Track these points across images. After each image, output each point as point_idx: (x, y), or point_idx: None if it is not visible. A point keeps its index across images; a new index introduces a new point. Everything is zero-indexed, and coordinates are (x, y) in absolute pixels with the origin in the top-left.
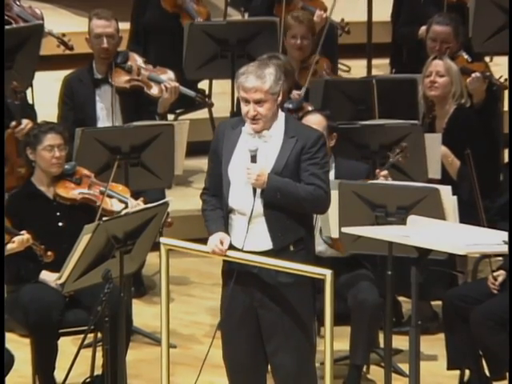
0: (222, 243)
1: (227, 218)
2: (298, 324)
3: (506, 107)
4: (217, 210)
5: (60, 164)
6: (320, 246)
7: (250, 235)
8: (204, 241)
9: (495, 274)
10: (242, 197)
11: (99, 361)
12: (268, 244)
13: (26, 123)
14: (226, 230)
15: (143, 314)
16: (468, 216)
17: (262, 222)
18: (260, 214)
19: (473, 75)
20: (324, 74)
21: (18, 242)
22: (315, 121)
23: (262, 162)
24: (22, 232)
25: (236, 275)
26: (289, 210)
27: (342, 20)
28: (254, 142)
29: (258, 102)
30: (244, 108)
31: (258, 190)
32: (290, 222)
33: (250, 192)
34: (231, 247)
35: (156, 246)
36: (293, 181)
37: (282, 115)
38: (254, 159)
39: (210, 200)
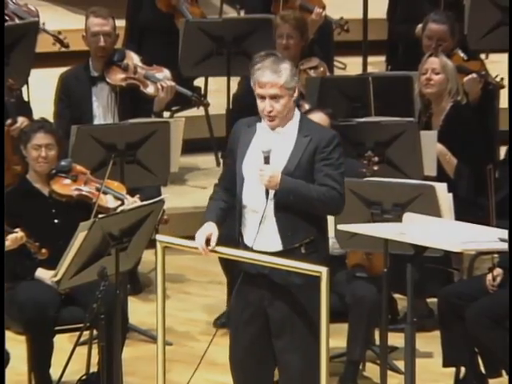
0: (208, 241)
1: (240, 215)
2: (306, 325)
3: (505, 105)
4: (219, 201)
5: (46, 163)
6: None
7: (260, 236)
8: None
9: (494, 273)
10: (255, 194)
11: (95, 358)
12: (278, 245)
13: (21, 121)
14: (222, 222)
15: (139, 311)
16: (464, 213)
17: (272, 222)
18: (271, 215)
19: (469, 76)
20: (311, 72)
21: (12, 239)
22: (318, 119)
23: (275, 162)
24: (16, 230)
25: (244, 275)
26: (300, 210)
27: (342, 18)
28: (269, 138)
29: (273, 98)
30: (260, 105)
31: (272, 191)
32: (300, 222)
33: (262, 190)
34: (244, 246)
35: (152, 244)
36: (305, 181)
37: (297, 114)
38: (267, 160)
39: (218, 191)
